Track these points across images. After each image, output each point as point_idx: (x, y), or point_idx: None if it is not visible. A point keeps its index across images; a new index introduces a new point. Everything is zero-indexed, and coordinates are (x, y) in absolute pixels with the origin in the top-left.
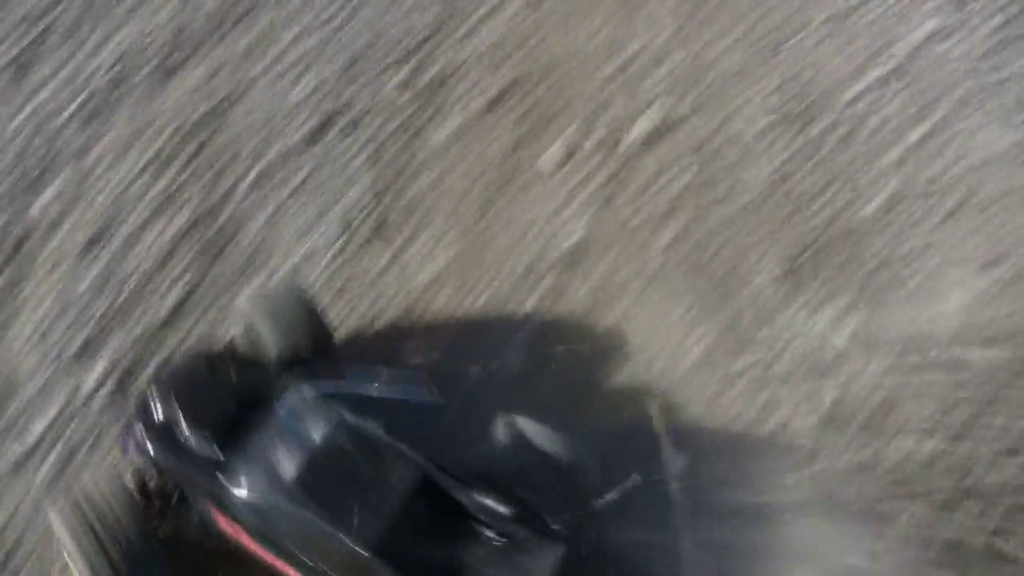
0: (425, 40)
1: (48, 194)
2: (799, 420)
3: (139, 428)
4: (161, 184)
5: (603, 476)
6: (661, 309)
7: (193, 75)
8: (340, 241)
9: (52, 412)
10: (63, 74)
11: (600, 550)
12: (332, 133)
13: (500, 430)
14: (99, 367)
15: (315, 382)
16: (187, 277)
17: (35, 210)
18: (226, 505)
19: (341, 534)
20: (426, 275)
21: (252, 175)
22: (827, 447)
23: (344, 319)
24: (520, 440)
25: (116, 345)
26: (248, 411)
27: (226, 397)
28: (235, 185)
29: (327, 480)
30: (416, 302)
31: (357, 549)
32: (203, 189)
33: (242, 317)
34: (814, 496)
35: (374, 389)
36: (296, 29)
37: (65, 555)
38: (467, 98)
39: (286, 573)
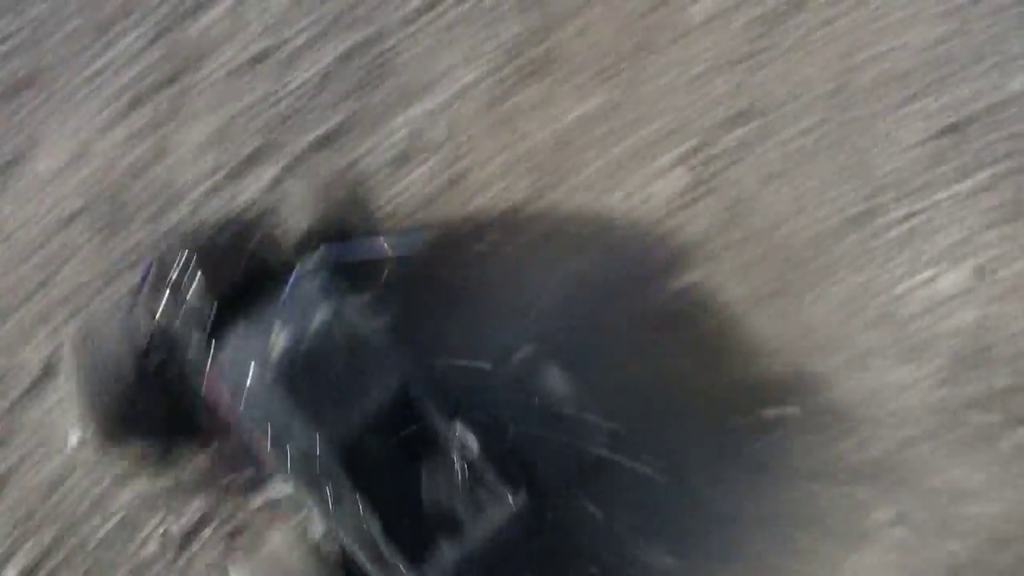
0: None
1: (208, 17)
2: None
3: (155, 278)
4: (315, 14)
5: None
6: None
7: None
8: (492, 78)
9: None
10: None
11: (567, 505)
12: None
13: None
14: (268, 173)
15: (321, 251)
16: (345, 104)
17: (194, 32)
18: (213, 368)
19: (307, 429)
20: (575, 116)
21: (411, 7)
22: None
23: (492, 155)
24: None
25: (276, 158)
26: (260, 283)
27: (240, 267)
28: (395, 16)
29: (309, 372)
30: (564, 141)
31: (319, 450)
32: (362, 20)
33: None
34: None
35: (368, 252)
36: None
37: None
38: None
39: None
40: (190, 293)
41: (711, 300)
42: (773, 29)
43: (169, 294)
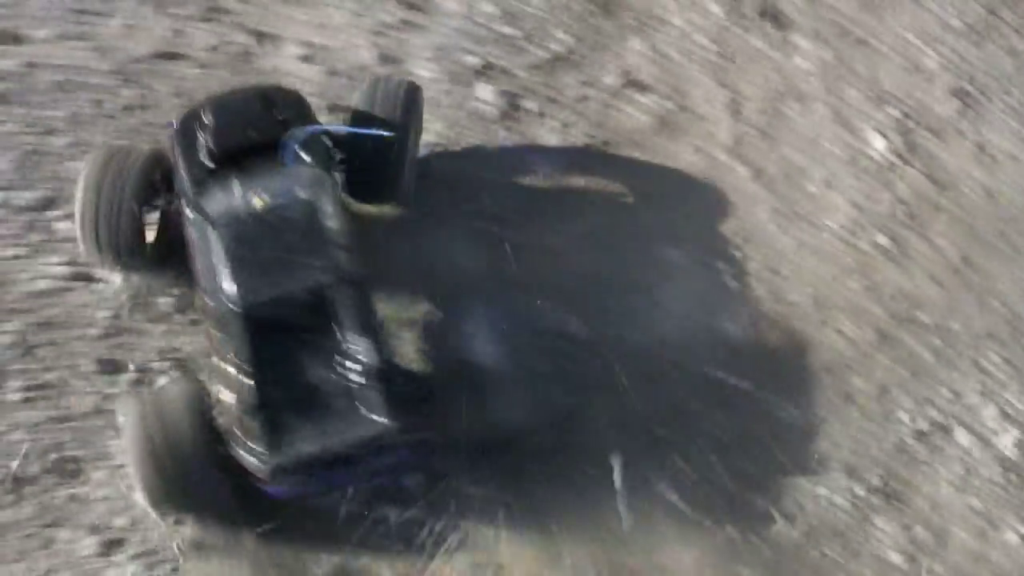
0: None
1: None
2: None
3: (181, 126)
4: None
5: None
6: None
7: None
8: (728, 17)
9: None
10: None
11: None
12: None
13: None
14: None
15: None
16: (573, 28)
17: None
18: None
19: (231, 280)
20: (800, 63)
21: None
22: None
23: (716, 92)
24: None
25: (508, 73)
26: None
27: (258, 131)
28: None
29: (258, 233)
30: (785, 88)
31: (234, 300)
32: None
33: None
34: None
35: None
36: None
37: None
38: None
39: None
40: (200, 147)
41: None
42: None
43: (186, 146)
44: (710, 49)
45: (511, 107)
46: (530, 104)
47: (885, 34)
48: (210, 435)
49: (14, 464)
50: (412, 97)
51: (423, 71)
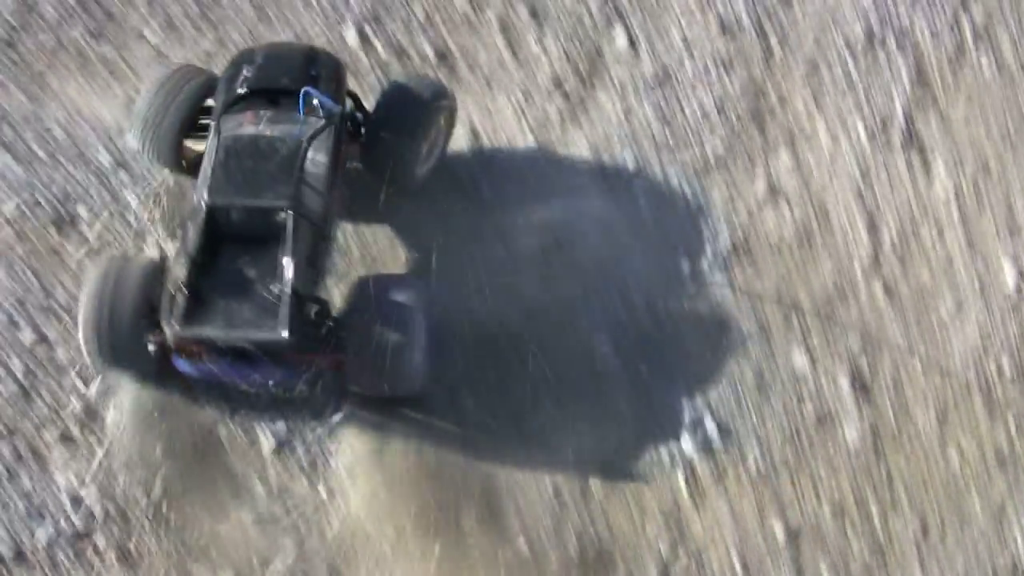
0: None
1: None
2: None
3: (235, 58)
4: (711, 48)
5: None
6: None
7: None
8: (871, 144)
9: None
10: None
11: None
12: (876, 44)
13: None
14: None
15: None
16: (723, 131)
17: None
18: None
19: (209, 179)
20: (938, 190)
21: (804, 69)
22: None
23: (856, 211)
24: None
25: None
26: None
27: (290, 79)
28: (787, 72)
29: (247, 153)
30: (923, 213)
31: (204, 196)
32: (757, 62)
33: None
34: None
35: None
36: None
37: None
38: None
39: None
40: (240, 77)
41: None
42: None
43: (232, 75)
44: (854, 169)
45: None
46: (680, 208)
47: (1021, 168)
48: (148, 307)
49: None
50: (435, 99)
51: (579, 163)
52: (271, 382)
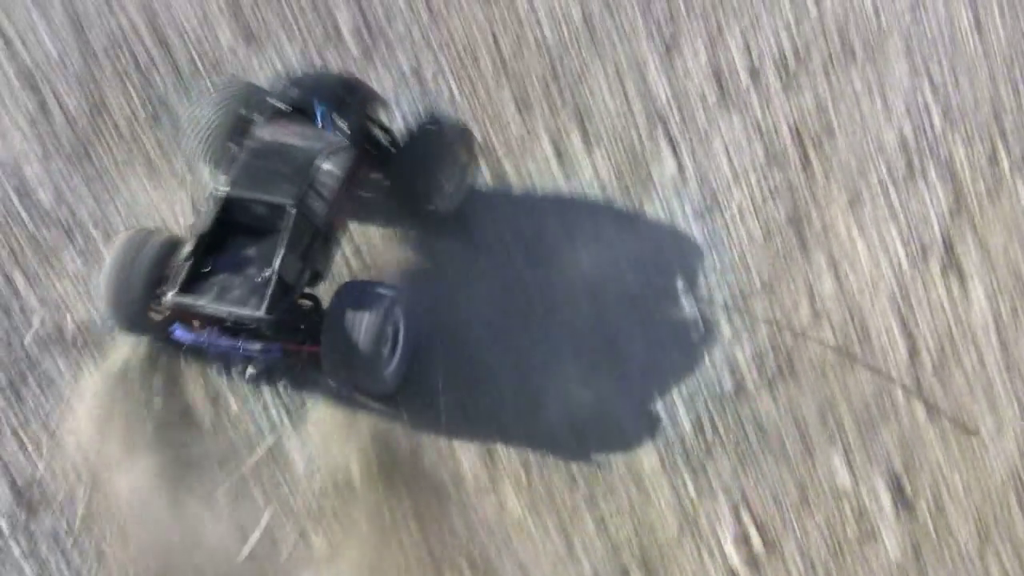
0: None
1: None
2: None
3: (282, 78)
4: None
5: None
6: None
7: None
8: (912, 269)
9: None
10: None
11: None
12: (917, 173)
13: None
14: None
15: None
16: (770, 261)
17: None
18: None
19: (229, 173)
20: (976, 314)
21: (847, 196)
22: None
23: (897, 333)
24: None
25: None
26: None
27: (320, 98)
28: (830, 199)
29: (267, 155)
30: (962, 337)
31: (223, 185)
32: (801, 188)
33: None
34: None
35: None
36: None
37: None
38: None
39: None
40: (280, 93)
41: None
42: None
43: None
44: (895, 292)
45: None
46: (726, 330)
47: None
48: (158, 278)
49: None
50: (458, 139)
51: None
52: (248, 354)
